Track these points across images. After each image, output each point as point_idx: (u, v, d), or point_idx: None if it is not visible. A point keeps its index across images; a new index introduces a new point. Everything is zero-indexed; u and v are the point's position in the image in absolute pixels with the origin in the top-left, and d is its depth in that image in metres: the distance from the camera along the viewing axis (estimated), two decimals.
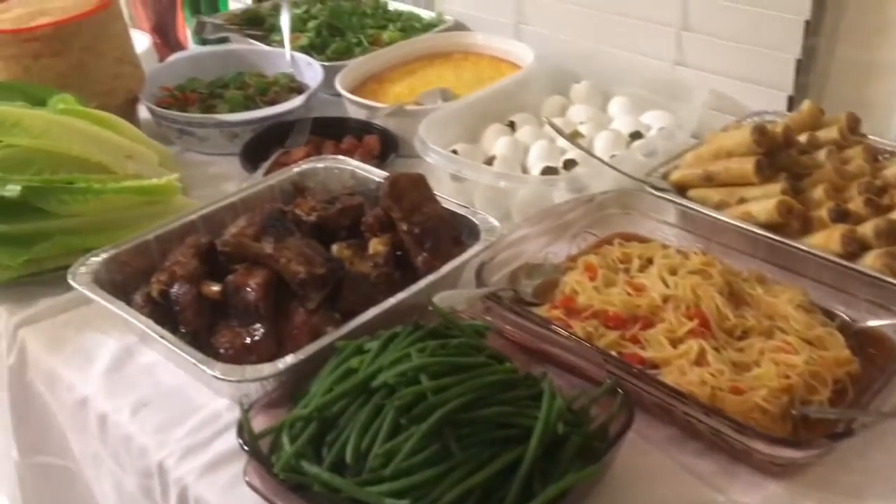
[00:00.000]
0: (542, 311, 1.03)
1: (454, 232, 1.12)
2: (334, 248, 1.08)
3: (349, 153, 1.42)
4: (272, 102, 1.56)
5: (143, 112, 1.57)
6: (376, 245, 1.09)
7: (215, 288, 0.98)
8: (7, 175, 1.14)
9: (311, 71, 1.64)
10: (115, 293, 1.04)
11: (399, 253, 1.10)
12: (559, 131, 1.30)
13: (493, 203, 1.29)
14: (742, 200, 1.16)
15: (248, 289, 0.99)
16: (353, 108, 1.53)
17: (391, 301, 0.99)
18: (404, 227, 1.08)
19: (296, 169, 1.28)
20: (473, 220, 1.14)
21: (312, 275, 0.97)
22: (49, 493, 1.18)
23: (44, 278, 1.15)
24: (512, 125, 1.48)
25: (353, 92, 1.57)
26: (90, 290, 1.02)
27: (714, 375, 0.89)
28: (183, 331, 0.99)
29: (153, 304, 1.02)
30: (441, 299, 0.94)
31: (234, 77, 1.67)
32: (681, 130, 1.37)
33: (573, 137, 1.40)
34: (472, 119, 1.46)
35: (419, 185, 1.13)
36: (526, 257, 1.13)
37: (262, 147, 1.46)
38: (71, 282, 1.03)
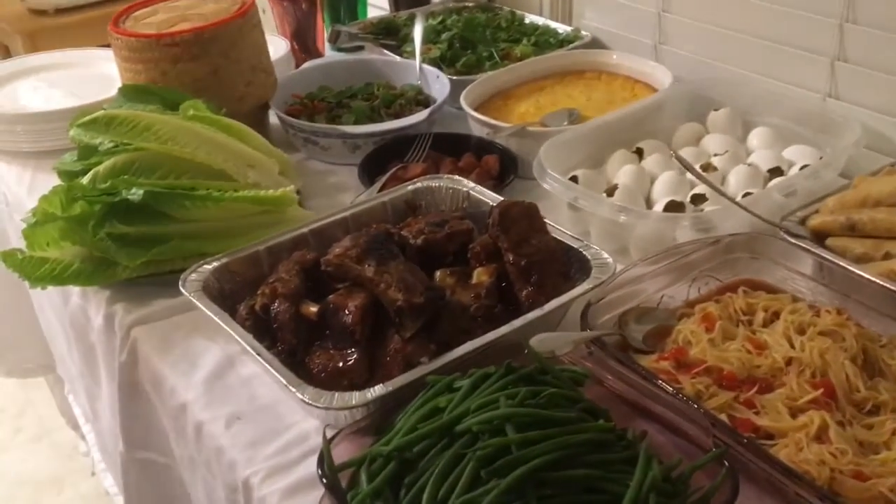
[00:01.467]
0: (650, 361, 0.96)
1: (563, 267, 1.06)
2: (438, 274, 1.06)
3: (467, 172, 1.40)
4: (397, 115, 1.56)
5: (273, 117, 1.60)
6: (480, 275, 1.05)
7: (313, 309, 0.97)
8: (134, 178, 1.18)
9: (438, 84, 1.62)
10: (223, 302, 1.06)
11: (504, 284, 1.06)
12: (686, 165, 1.22)
13: (611, 236, 1.23)
14: (888, 256, 1.05)
15: (346, 312, 0.97)
16: (476, 125, 1.50)
17: (488, 337, 0.95)
18: (511, 258, 1.04)
19: (410, 187, 1.26)
20: (586, 254, 1.09)
21: (410, 303, 0.95)
22: (150, 486, 1.22)
23: (160, 279, 1.18)
24: (639, 152, 1.40)
25: (478, 108, 1.54)
26: (197, 299, 1.04)
27: (835, 456, 0.80)
28: (280, 347, 0.98)
29: (255, 317, 1.02)
30: (540, 342, 0.89)
31: (363, 87, 1.67)
32: (827, 169, 1.26)
33: (706, 170, 1.31)
34: (598, 144, 1.40)
35: (531, 215, 1.08)
36: (639, 299, 1.06)
37: (382, 160, 1.45)
38: (181, 288, 1.05)
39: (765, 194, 1.21)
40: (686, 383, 0.91)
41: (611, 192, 1.29)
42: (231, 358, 1.08)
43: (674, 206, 1.24)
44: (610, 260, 1.06)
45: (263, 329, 1.01)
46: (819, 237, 1.13)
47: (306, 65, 1.76)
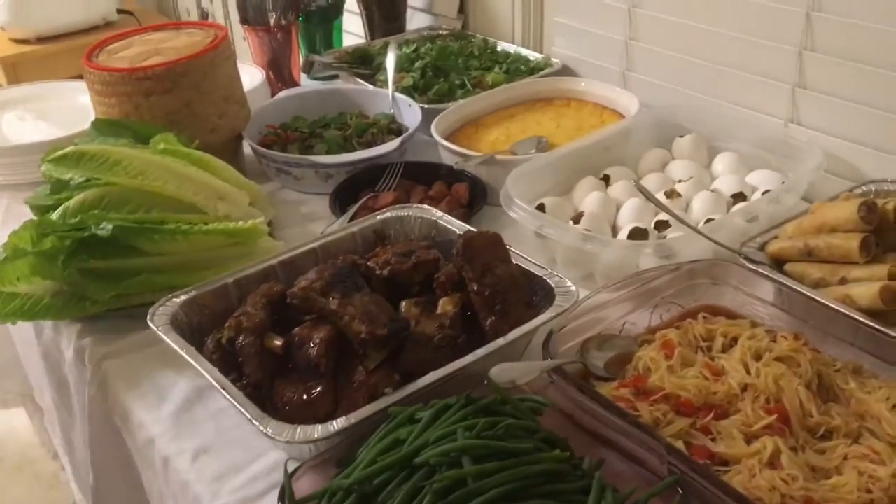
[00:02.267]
0: (610, 388, 0.98)
1: (527, 295, 1.08)
2: (403, 304, 1.07)
3: (437, 200, 1.42)
4: (369, 144, 1.58)
5: (247, 147, 1.62)
6: (445, 304, 1.07)
7: (278, 342, 0.99)
8: (103, 213, 1.19)
9: (410, 113, 1.65)
10: (191, 335, 1.07)
11: (469, 314, 1.07)
12: (646, 194, 1.24)
13: (576, 263, 1.25)
14: (844, 281, 1.08)
15: (311, 344, 0.99)
16: (446, 153, 1.52)
17: (451, 367, 0.96)
18: (475, 287, 1.06)
19: (379, 216, 1.28)
20: (549, 282, 1.10)
21: (374, 335, 0.96)
22: None
23: (130, 313, 1.20)
24: (606, 179, 1.43)
25: (449, 136, 1.56)
26: (165, 332, 1.05)
27: (786, 482, 0.82)
28: (245, 381, 0.99)
29: (222, 350, 1.03)
30: (500, 372, 0.91)
31: (337, 116, 1.70)
32: (789, 194, 1.28)
33: (670, 196, 1.34)
34: (566, 171, 1.43)
35: (494, 245, 1.10)
36: (601, 326, 1.08)
37: (354, 189, 1.47)
38: (150, 322, 1.06)
39: (726, 220, 1.23)
40: (644, 411, 0.92)
41: (577, 219, 1.31)
42: (199, 391, 1.09)
43: (637, 233, 1.26)
44: (573, 288, 1.08)
45: (230, 362, 1.03)
46: (778, 263, 1.15)
47: (280, 94, 1.78)
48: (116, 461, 1.18)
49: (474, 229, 1.14)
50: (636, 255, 1.20)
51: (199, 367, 0.99)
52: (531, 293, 1.09)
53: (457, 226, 1.24)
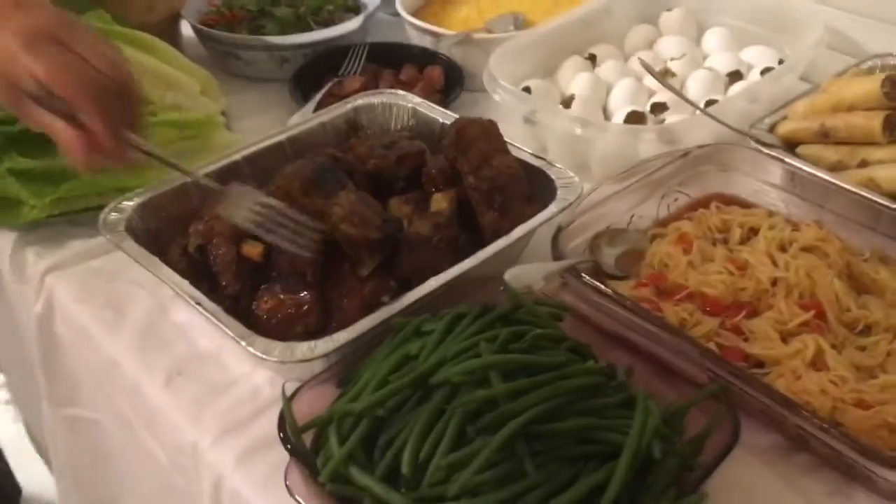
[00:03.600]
0: (626, 287, 0.89)
1: (527, 189, 0.98)
2: (392, 203, 0.96)
3: (409, 86, 1.28)
4: (326, 24, 1.42)
5: (186, 29, 1.44)
6: (439, 202, 0.96)
7: (257, 249, 0.86)
8: None
9: None
10: (149, 242, 0.94)
11: (463, 211, 0.97)
12: (652, 73, 1.14)
13: (570, 151, 1.15)
14: (864, 163, 1.00)
15: None
16: (415, 33, 1.38)
17: (454, 271, 0.86)
18: (471, 181, 0.95)
19: (350, 104, 1.14)
20: (549, 173, 1.00)
21: (367, 238, 0.85)
22: (79, 447, 1.11)
23: (74, 219, 1.05)
24: (592, 58, 1.31)
25: (415, 14, 1.41)
26: (120, 240, 0.92)
27: (836, 384, 0.75)
28: (222, 293, 0.88)
29: (190, 259, 0.91)
30: (514, 277, 0.81)
31: None
32: (791, 73, 1.19)
33: (665, 76, 1.23)
34: (548, 51, 1.30)
35: (490, 134, 0.99)
36: (608, 221, 0.99)
37: (314, 74, 1.32)
38: (101, 230, 0.93)
39: (730, 102, 1.14)
40: (669, 311, 0.85)
41: (567, 103, 1.20)
42: (163, 305, 0.97)
43: (634, 117, 1.16)
44: (576, 179, 0.98)
45: (200, 272, 0.90)
46: (790, 145, 1.07)
47: None
48: (71, 385, 1.06)
49: (459, 116, 1.02)
50: (635, 142, 1.11)
51: (166, 281, 0.86)
52: (530, 186, 0.99)
53: (438, 113, 1.12)
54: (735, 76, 1.26)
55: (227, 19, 1.44)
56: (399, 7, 1.39)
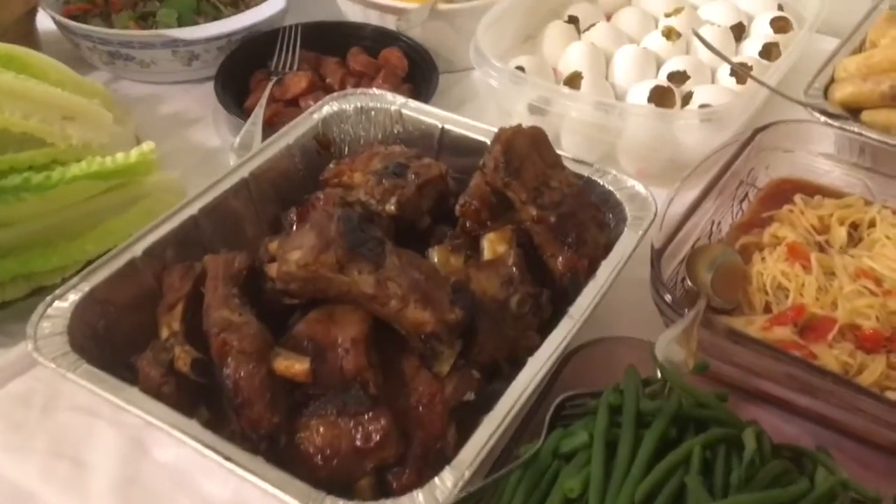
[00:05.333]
0: (756, 328, 0.71)
1: (599, 212, 0.77)
2: (437, 255, 0.72)
3: (366, 77, 1.03)
4: (234, 4, 1.12)
5: (45, 24, 1.10)
6: (494, 244, 0.73)
7: (303, 366, 0.60)
8: None
9: None
10: (101, 355, 0.67)
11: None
12: (711, 48, 0.95)
13: (590, 143, 0.95)
14: None
15: (341, 350, 0.62)
16: (355, 8, 1.11)
17: (553, 344, 0.64)
18: (533, 213, 0.73)
19: (316, 115, 0.88)
20: (601, 182, 0.80)
21: (444, 322, 0.62)
22: None
23: None
24: (574, 22, 1.10)
25: None
26: (70, 367, 0.63)
27: None
28: (242, 430, 0.62)
29: (179, 380, 0.64)
30: (667, 347, 0.61)
31: None
32: (811, 26, 1.03)
33: (668, 37, 1.05)
34: (527, 17, 1.08)
35: (540, 145, 0.77)
36: (686, 234, 0.80)
37: (236, 72, 1.04)
38: (34, 354, 0.64)
39: (776, 68, 0.95)
40: (825, 357, 0.67)
41: (572, 82, 0.99)
42: (137, 440, 0.69)
43: (659, 94, 0.96)
44: (642, 189, 0.79)
45: (194, 394, 0.64)
46: (851, 112, 0.92)
47: None
48: None
49: (501, 127, 0.78)
50: (672, 127, 0.92)
51: (153, 421, 0.60)
52: (601, 209, 0.78)
53: (431, 115, 0.88)
54: (738, 29, 1.09)
55: (101, 9, 1.11)
56: None
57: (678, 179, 0.82)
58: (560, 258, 0.73)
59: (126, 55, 1.05)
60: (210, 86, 1.04)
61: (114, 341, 0.70)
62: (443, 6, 1.06)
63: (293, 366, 0.60)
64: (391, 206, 0.74)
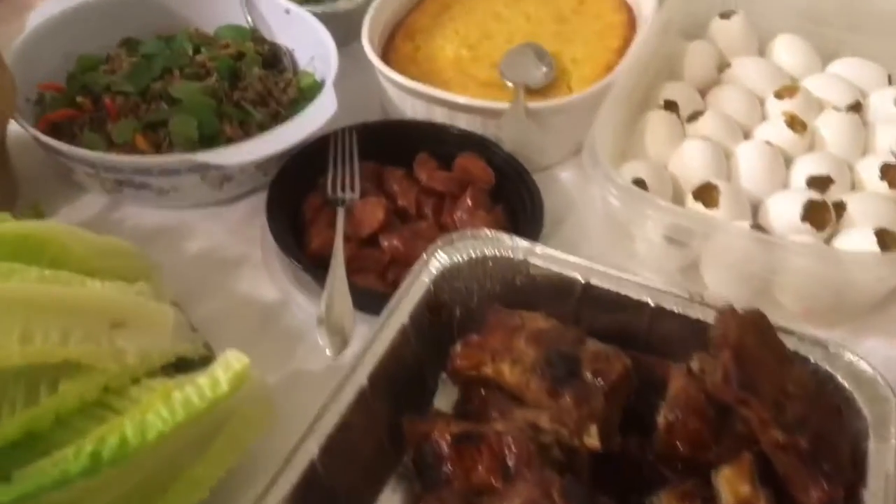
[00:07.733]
0: None
1: (838, 414, 0.61)
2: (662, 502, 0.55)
3: (447, 197, 0.84)
4: (262, 101, 0.90)
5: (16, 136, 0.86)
6: (732, 483, 0.56)
7: None
8: None
9: (291, 21, 0.97)
10: None
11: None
12: None
13: (737, 280, 0.79)
14: None
15: None
16: (403, 103, 0.91)
17: None
18: (779, 436, 0.56)
19: (426, 277, 0.69)
20: (811, 357, 0.64)
21: None
22: None
23: None
24: (673, 108, 0.93)
25: (383, 58, 0.95)
26: None
27: None
28: None
29: None
30: None
31: (158, 47, 0.96)
32: None
33: (792, 126, 0.89)
34: (624, 108, 0.90)
35: (765, 336, 0.60)
36: None
37: (284, 196, 0.83)
38: None
39: None
40: None
41: (705, 197, 0.82)
42: None
43: (815, 210, 0.81)
44: (866, 367, 0.63)
45: None
46: None
47: (32, 21, 0.96)
48: None
49: (718, 316, 0.60)
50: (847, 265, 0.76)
51: None
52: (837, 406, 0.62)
53: (574, 267, 0.70)
54: (855, 109, 0.94)
55: (90, 112, 0.87)
56: (369, 50, 0.91)
57: (851, 318, 0.67)
58: (815, 492, 0.56)
59: (140, 183, 0.82)
60: (244, 208, 0.85)
61: None
62: (533, 104, 0.87)
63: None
64: (592, 440, 0.56)
